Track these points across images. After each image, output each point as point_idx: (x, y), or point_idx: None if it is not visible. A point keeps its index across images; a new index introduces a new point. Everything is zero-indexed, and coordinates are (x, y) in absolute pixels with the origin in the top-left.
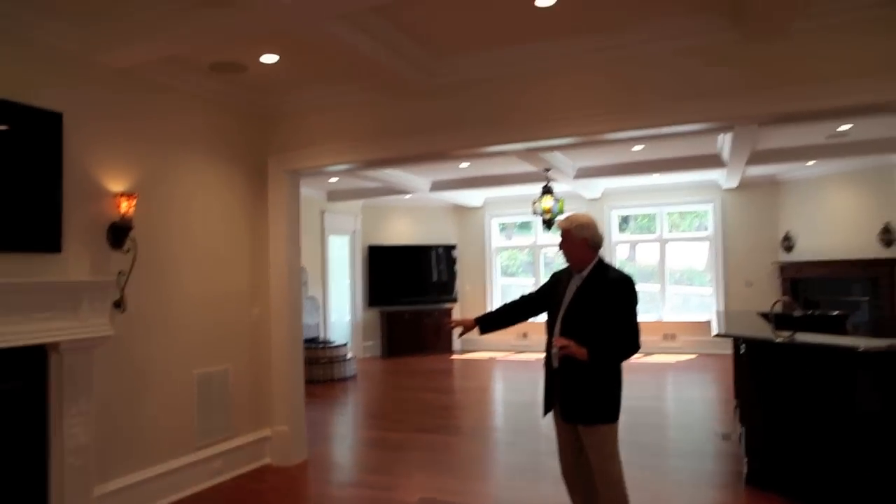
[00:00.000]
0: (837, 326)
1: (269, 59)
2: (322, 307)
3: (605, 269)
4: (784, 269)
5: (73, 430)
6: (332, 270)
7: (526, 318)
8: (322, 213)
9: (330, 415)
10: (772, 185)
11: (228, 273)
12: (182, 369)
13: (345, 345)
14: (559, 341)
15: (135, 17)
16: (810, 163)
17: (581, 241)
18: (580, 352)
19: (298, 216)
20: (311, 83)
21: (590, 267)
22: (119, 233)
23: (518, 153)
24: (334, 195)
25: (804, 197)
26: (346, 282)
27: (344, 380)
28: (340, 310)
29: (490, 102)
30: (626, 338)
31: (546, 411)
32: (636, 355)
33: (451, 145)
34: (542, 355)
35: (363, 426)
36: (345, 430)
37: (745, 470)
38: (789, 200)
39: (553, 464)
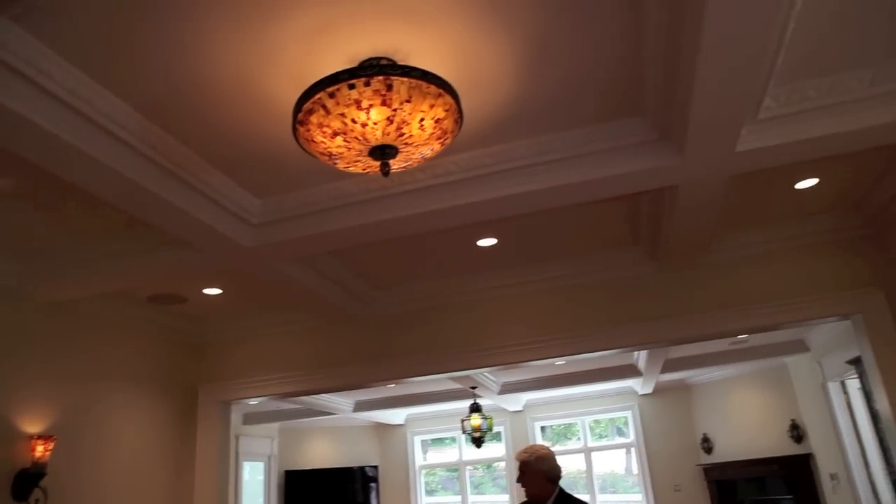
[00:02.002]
0: None
1: (212, 291)
2: None
3: (568, 501)
4: (708, 471)
5: None
6: (245, 500)
7: None
8: (236, 437)
9: None
10: (684, 389)
11: None
12: None
13: None
14: None
15: (84, 255)
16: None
17: (540, 473)
18: None
19: (229, 449)
20: (249, 312)
21: (552, 499)
22: (27, 482)
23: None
24: (251, 418)
25: (715, 399)
26: None
27: None
28: None
29: (423, 332)
30: None
31: None
32: None
33: (386, 374)
34: None
35: None
36: None
37: None
38: (702, 403)
39: None
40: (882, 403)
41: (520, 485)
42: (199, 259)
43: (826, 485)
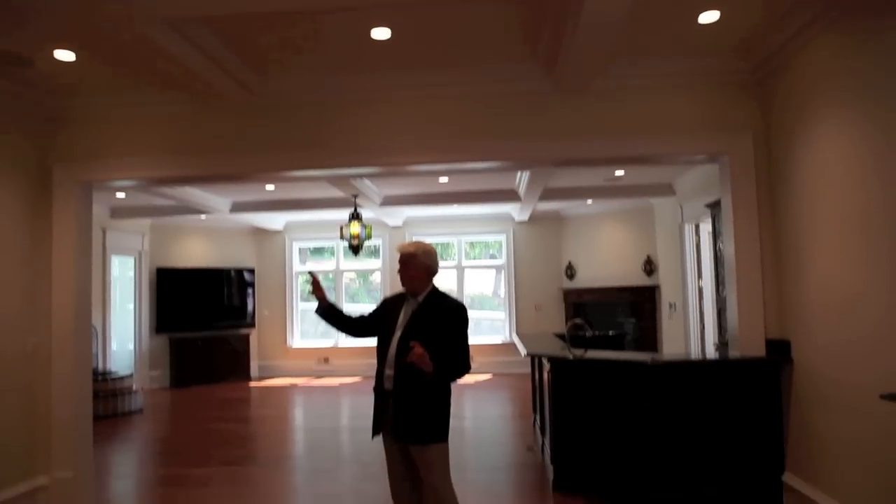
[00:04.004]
0: (619, 344)
1: (64, 56)
2: (101, 335)
3: (440, 296)
4: (567, 294)
5: None
6: (114, 294)
7: (357, 335)
8: (103, 230)
9: (118, 454)
10: (557, 220)
11: None
12: None
13: (130, 375)
14: (417, 346)
15: None
16: (589, 201)
17: (423, 267)
18: (427, 363)
19: (90, 232)
20: (112, 87)
21: (425, 293)
22: None
23: (328, 178)
24: (119, 212)
25: (583, 231)
26: (130, 307)
27: (129, 414)
28: (123, 337)
29: (307, 126)
30: (460, 358)
31: (375, 433)
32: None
33: (262, 167)
34: (347, 379)
35: (160, 463)
36: (138, 471)
37: (551, 477)
38: (571, 234)
39: (374, 489)
40: (728, 241)
41: (401, 274)
42: (46, 6)
43: (664, 312)
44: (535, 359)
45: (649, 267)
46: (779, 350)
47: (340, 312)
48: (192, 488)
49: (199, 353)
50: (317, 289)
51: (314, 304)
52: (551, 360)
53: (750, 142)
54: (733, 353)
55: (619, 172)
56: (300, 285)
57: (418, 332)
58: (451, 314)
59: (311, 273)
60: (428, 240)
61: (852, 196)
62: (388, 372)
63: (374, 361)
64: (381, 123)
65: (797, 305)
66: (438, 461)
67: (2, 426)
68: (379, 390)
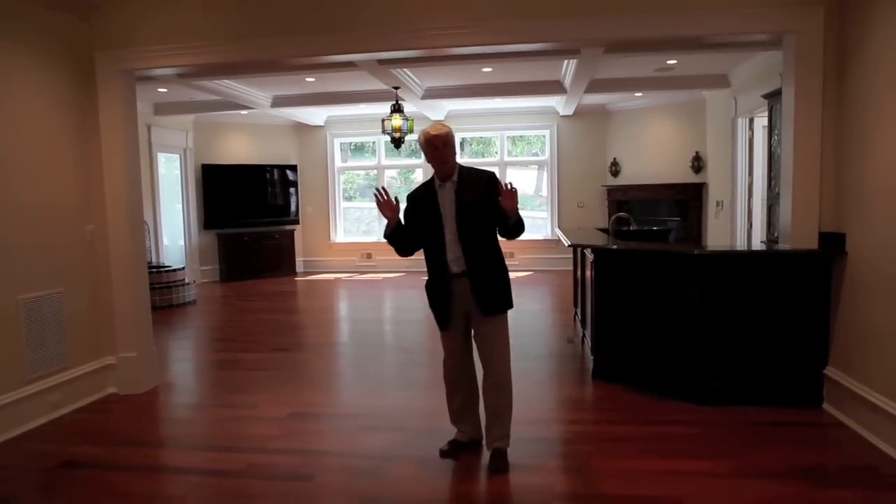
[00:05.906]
0: (662, 239)
1: None
2: (153, 230)
3: (470, 170)
4: (611, 192)
5: None
6: (162, 191)
7: (412, 251)
8: (148, 127)
9: (175, 340)
10: (602, 115)
11: (52, 186)
12: (3, 295)
13: (182, 268)
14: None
15: None
16: (638, 94)
17: (454, 147)
18: (514, 205)
19: (135, 121)
20: None
21: (456, 172)
22: None
23: (369, 67)
24: (162, 108)
25: (630, 126)
26: (178, 206)
27: (183, 305)
28: (173, 233)
29: (346, 7)
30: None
31: (444, 326)
32: None
33: (305, 50)
34: (390, 274)
35: (213, 349)
36: (195, 355)
37: (591, 367)
38: (617, 129)
39: (418, 374)
40: (787, 128)
41: (440, 158)
42: None
43: (711, 210)
44: (577, 252)
45: (697, 163)
46: (832, 243)
47: (405, 229)
48: (244, 370)
49: (247, 248)
50: (388, 208)
51: (353, 203)
52: (595, 250)
53: (821, 18)
54: (784, 245)
55: (671, 62)
56: (342, 183)
57: (471, 206)
58: (491, 181)
59: (384, 190)
60: (470, 135)
61: None
62: (452, 255)
63: (416, 257)
64: (421, 3)
65: (857, 196)
66: (505, 330)
67: (73, 310)
68: (440, 281)
